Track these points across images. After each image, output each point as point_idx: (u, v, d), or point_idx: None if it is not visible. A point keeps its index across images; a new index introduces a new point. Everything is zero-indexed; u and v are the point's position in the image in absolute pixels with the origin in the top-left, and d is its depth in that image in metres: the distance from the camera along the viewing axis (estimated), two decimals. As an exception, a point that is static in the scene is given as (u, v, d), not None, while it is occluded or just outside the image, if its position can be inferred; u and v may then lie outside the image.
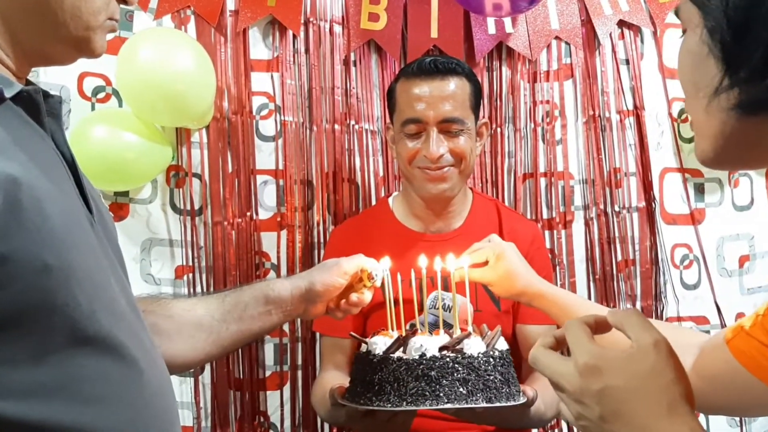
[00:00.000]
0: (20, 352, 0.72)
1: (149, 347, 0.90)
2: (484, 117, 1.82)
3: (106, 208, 0.97)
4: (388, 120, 1.80)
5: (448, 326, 1.34)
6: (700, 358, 1.01)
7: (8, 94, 0.78)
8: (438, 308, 1.41)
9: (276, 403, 1.97)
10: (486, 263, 1.35)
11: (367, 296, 1.27)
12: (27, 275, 0.71)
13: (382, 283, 1.26)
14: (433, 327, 1.28)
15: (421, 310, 1.36)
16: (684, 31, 0.78)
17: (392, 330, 1.24)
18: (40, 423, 0.73)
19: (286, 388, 1.98)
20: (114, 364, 0.80)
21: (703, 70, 0.72)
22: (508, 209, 1.88)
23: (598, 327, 0.81)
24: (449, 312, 1.49)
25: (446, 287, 1.46)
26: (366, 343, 1.21)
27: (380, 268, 1.26)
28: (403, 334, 1.19)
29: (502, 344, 1.20)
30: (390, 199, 1.83)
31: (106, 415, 0.78)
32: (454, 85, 1.64)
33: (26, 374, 0.73)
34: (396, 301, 1.28)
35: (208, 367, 1.93)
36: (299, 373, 1.98)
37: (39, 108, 0.83)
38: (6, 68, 0.83)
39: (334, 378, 1.60)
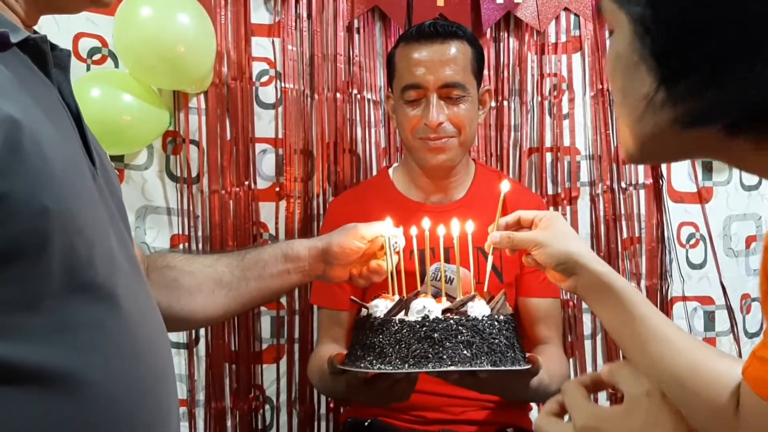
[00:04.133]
0: (16, 295, 0.72)
1: (145, 303, 0.89)
2: (487, 85, 1.77)
3: (111, 166, 0.96)
4: (388, 89, 1.75)
5: (450, 298, 1.30)
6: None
7: (14, 39, 0.77)
8: (440, 280, 1.36)
9: (272, 377, 1.93)
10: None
11: (387, 263, 1.23)
12: (25, 216, 0.71)
13: (384, 255, 1.22)
14: (435, 297, 1.24)
15: (422, 280, 1.32)
16: (612, 31, 0.69)
17: (393, 294, 1.20)
18: (34, 366, 0.73)
19: (283, 362, 1.94)
20: (108, 314, 0.79)
21: (636, 79, 0.64)
22: (512, 181, 1.83)
23: (595, 385, 0.81)
24: (451, 284, 1.45)
25: (448, 259, 1.42)
26: (367, 307, 1.17)
27: (399, 234, 1.21)
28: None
29: (506, 309, 1.16)
30: (390, 170, 1.78)
31: (99, 363, 0.77)
32: (455, 49, 1.60)
33: (21, 318, 0.72)
34: (397, 272, 1.24)
35: (203, 339, 1.89)
36: (296, 346, 1.94)
37: (45, 57, 0.82)
38: (15, 15, 0.82)
39: (331, 351, 1.57)
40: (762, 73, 0.56)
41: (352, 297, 1.30)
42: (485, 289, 1.18)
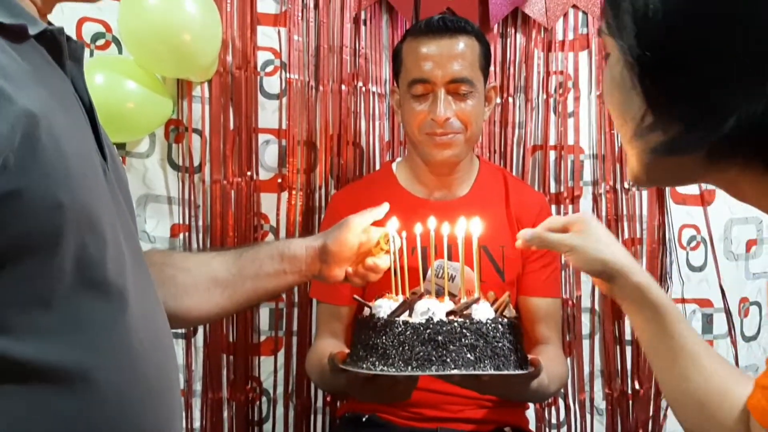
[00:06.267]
0: (28, 292, 0.71)
1: (152, 301, 0.88)
2: (493, 81, 1.76)
3: (119, 159, 0.96)
4: (393, 84, 1.74)
5: (452, 295, 1.29)
6: None
7: (32, 31, 0.76)
8: (442, 277, 1.35)
9: (269, 369, 1.93)
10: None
11: (383, 261, 1.21)
12: (40, 212, 0.70)
13: (380, 251, 1.21)
14: (437, 295, 1.23)
15: (425, 277, 1.31)
16: (608, 54, 0.72)
17: (396, 295, 1.19)
18: (44, 364, 0.72)
19: (281, 354, 1.93)
20: (118, 313, 0.79)
21: (630, 101, 0.67)
22: (515, 178, 1.83)
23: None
24: (453, 282, 1.44)
25: (450, 256, 1.41)
26: (370, 306, 1.16)
27: (392, 228, 1.20)
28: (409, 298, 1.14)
29: (510, 311, 1.15)
30: (394, 165, 1.77)
31: (108, 362, 0.77)
32: (464, 44, 1.59)
33: (33, 315, 0.72)
34: (401, 269, 1.23)
35: (201, 330, 1.88)
36: (294, 339, 1.93)
37: (61, 49, 0.82)
38: (32, 3, 0.82)
39: (330, 346, 1.56)
40: (734, 108, 0.59)
41: (355, 296, 1.29)
42: (478, 291, 1.16)
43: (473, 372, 1.03)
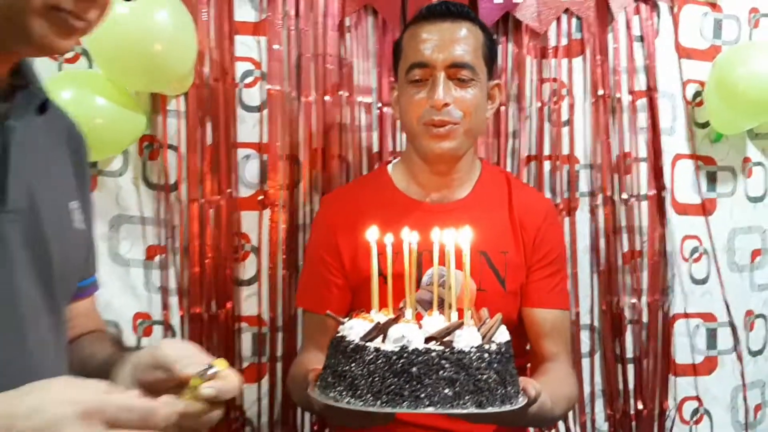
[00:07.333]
0: None
1: (29, 358, 0.84)
2: (498, 80, 1.67)
3: (61, 218, 0.91)
4: (392, 80, 1.65)
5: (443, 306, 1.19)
6: None
7: None
8: (434, 285, 1.24)
9: (253, 397, 1.84)
10: None
11: (177, 405, 0.83)
12: None
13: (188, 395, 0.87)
14: (428, 306, 1.14)
15: (418, 285, 1.22)
16: None
17: (377, 311, 1.09)
18: None
19: (264, 381, 1.85)
20: None
21: None
22: (519, 182, 1.75)
23: None
24: (450, 290, 1.35)
25: (444, 262, 1.32)
26: (342, 323, 1.06)
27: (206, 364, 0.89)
28: (390, 316, 1.03)
29: (502, 335, 1.05)
30: (390, 166, 1.68)
31: None
32: (466, 30, 1.52)
33: None
34: (385, 277, 1.14)
35: (181, 355, 1.80)
36: (278, 365, 1.85)
37: None
38: None
39: (314, 360, 1.46)
40: None
41: (329, 312, 1.18)
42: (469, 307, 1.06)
43: (450, 411, 0.93)
